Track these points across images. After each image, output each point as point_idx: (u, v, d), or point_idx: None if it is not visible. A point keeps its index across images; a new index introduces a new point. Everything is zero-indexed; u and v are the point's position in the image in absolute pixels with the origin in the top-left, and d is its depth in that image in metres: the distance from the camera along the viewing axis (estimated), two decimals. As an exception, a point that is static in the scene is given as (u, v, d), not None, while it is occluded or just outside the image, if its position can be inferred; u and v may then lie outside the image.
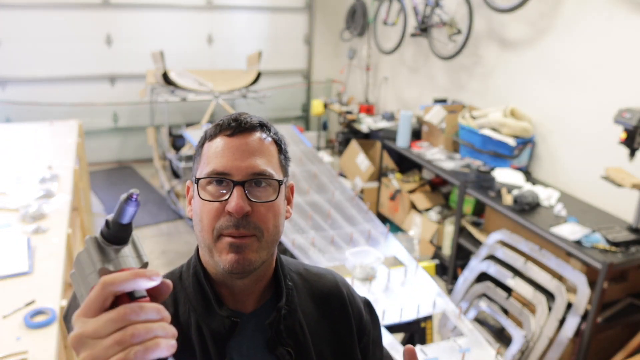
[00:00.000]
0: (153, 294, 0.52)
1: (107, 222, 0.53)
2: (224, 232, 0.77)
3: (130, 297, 0.49)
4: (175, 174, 4.81)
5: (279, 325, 0.84)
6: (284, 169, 0.85)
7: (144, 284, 0.49)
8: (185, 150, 4.47)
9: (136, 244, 0.56)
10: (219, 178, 0.78)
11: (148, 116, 5.51)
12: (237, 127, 0.80)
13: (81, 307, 0.49)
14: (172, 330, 0.50)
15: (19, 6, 4.90)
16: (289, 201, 0.88)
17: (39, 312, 1.63)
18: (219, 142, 0.81)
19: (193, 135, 3.94)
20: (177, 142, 5.00)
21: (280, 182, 0.81)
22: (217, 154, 0.79)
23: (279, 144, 0.85)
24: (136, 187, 5.13)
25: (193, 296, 0.84)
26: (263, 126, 0.83)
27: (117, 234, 0.53)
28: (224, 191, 0.78)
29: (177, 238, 4.09)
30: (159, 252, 3.87)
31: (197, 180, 0.79)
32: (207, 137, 0.84)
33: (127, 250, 0.55)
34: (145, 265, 0.56)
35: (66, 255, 2.04)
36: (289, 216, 0.88)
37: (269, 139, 0.83)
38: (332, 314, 0.92)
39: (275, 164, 0.83)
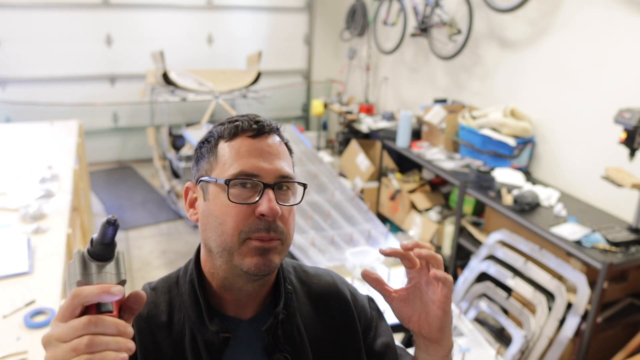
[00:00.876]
0: (125, 308, 0.60)
1: (91, 240, 0.60)
2: (253, 235, 0.75)
3: (98, 309, 0.57)
4: (175, 174, 4.81)
5: (276, 330, 0.83)
6: (290, 155, 0.87)
7: (107, 298, 0.56)
8: (185, 150, 4.47)
9: (119, 261, 0.62)
10: (250, 179, 0.76)
11: (148, 116, 5.52)
12: (259, 129, 0.79)
13: (57, 312, 0.57)
14: (127, 346, 0.55)
15: (19, 6, 4.90)
16: None
17: (39, 312, 1.63)
18: (242, 143, 0.78)
19: (193, 135, 3.94)
20: (177, 142, 5.01)
21: (305, 186, 0.81)
22: (242, 154, 0.77)
23: (289, 148, 0.85)
24: (136, 187, 5.14)
25: (188, 304, 0.82)
26: (278, 129, 0.83)
27: (99, 252, 0.60)
28: (251, 194, 0.76)
29: (177, 238, 4.09)
30: (159, 252, 3.87)
31: (228, 182, 0.75)
32: (224, 137, 0.80)
33: (110, 267, 0.61)
34: (122, 282, 0.61)
35: (66, 255, 2.03)
36: None
37: (283, 141, 0.84)
38: (331, 314, 0.90)
39: (292, 164, 0.83)
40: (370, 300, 1.00)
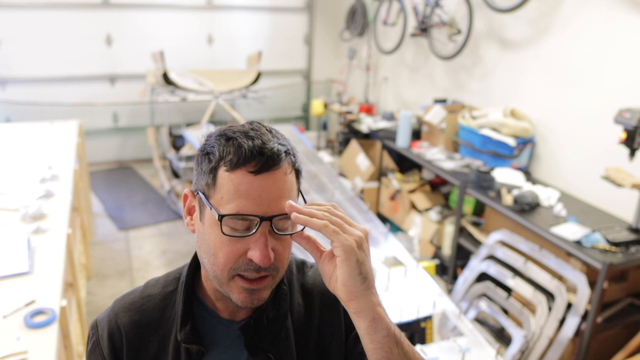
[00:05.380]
0: None
1: None
2: (242, 273, 0.74)
3: None
4: (175, 174, 4.81)
5: (261, 330, 0.82)
6: (299, 190, 0.80)
7: None
8: (185, 150, 4.47)
9: None
10: (246, 218, 0.72)
11: (148, 116, 5.52)
12: (264, 163, 0.71)
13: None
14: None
15: (19, 6, 4.90)
16: None
17: (39, 312, 1.63)
18: (243, 179, 0.71)
19: (193, 135, 3.94)
20: (177, 142, 5.01)
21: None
22: (240, 193, 0.71)
23: (298, 171, 0.78)
24: (136, 187, 5.14)
25: (180, 307, 0.84)
26: (287, 154, 0.75)
27: None
28: (246, 225, 0.73)
29: (177, 238, 4.09)
30: (159, 252, 3.87)
31: (222, 217, 0.72)
32: (226, 163, 0.72)
33: None
34: None
35: (66, 255, 2.03)
36: None
37: (291, 169, 0.76)
38: (316, 317, 0.88)
39: (295, 194, 0.77)
40: None
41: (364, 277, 0.69)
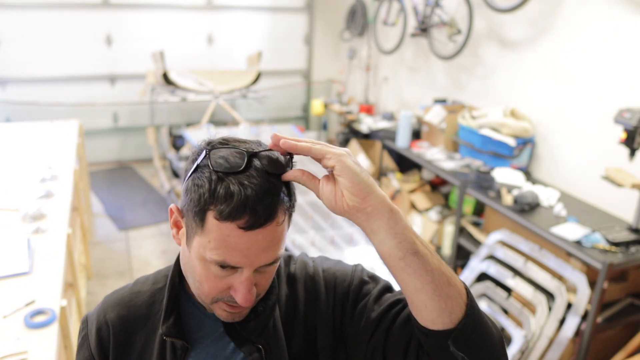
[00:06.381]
0: None
1: None
2: (225, 300, 0.76)
3: None
4: (175, 174, 4.81)
5: (248, 322, 0.82)
6: (290, 218, 0.77)
7: None
8: (185, 150, 4.47)
9: None
10: (231, 268, 0.73)
11: (148, 116, 5.52)
12: (255, 222, 0.68)
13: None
14: None
15: (19, 6, 4.90)
16: None
17: (39, 312, 1.63)
18: (232, 232, 0.68)
19: (193, 135, 3.94)
20: (177, 142, 5.00)
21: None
22: (227, 245, 0.69)
23: (291, 209, 0.75)
24: (136, 187, 5.14)
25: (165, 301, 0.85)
26: (282, 203, 0.71)
27: None
28: (230, 273, 0.73)
29: (177, 238, 4.09)
30: (159, 252, 3.87)
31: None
32: (215, 209, 0.68)
33: None
34: None
35: (66, 255, 2.03)
36: None
37: (285, 216, 0.73)
38: (300, 303, 0.86)
39: (285, 235, 0.75)
40: (356, 266, 0.90)
41: (366, 174, 0.69)
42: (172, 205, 0.78)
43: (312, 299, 0.86)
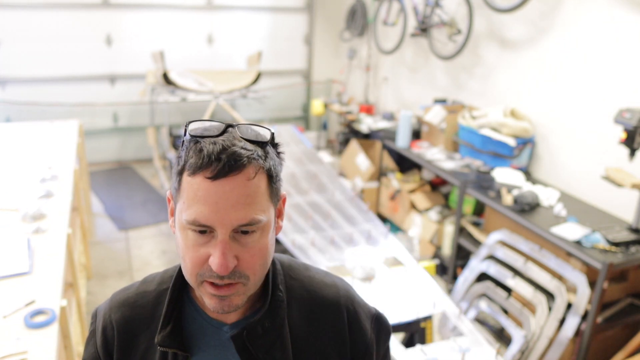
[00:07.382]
0: None
1: None
2: (207, 279, 0.73)
3: None
4: (175, 174, 4.81)
5: (256, 339, 0.80)
6: (275, 194, 0.76)
7: None
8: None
9: None
10: (202, 229, 0.71)
11: (148, 116, 5.52)
12: (220, 170, 0.68)
13: None
14: None
15: (19, 6, 4.90)
16: (280, 213, 0.81)
17: (39, 312, 1.63)
18: (200, 185, 0.69)
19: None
20: (177, 142, 5.00)
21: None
22: (197, 199, 0.69)
23: (271, 175, 0.74)
24: (136, 187, 5.15)
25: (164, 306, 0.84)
26: (252, 159, 0.71)
27: None
28: (207, 239, 0.71)
29: (177, 238, 4.09)
30: (159, 252, 3.87)
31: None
32: (187, 167, 0.71)
33: None
34: None
35: (66, 255, 2.04)
36: (279, 230, 0.82)
37: (257, 173, 0.72)
38: (322, 332, 0.85)
39: (264, 200, 0.73)
40: (376, 319, 0.91)
41: None
42: (168, 193, 0.79)
43: (329, 327, 0.85)
